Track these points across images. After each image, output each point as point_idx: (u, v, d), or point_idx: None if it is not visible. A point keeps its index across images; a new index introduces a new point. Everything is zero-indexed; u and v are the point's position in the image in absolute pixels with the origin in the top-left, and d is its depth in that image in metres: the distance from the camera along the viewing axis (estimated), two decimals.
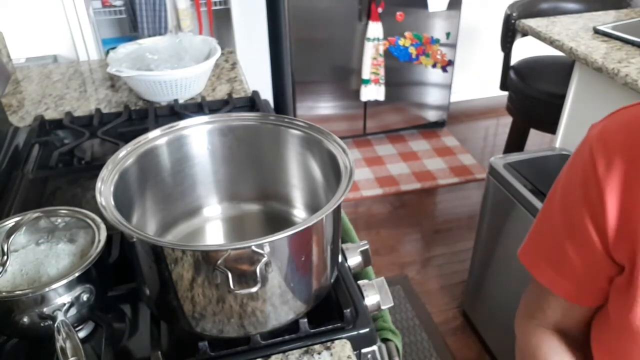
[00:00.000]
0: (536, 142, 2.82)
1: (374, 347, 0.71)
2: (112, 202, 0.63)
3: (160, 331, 0.67)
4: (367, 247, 0.81)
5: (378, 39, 2.65)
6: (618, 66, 1.31)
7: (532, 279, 0.70)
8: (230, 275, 0.56)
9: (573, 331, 0.69)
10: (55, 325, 0.60)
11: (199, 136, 0.79)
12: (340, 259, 0.76)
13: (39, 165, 1.04)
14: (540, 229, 0.68)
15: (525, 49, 2.35)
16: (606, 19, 1.66)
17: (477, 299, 1.83)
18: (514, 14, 2.07)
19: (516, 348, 0.74)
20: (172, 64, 1.29)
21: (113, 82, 1.46)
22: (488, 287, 1.73)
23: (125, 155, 0.71)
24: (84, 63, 1.66)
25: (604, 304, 0.64)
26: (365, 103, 2.87)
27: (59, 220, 0.71)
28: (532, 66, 2.23)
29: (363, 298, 0.73)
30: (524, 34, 1.76)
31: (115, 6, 2.32)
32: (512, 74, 2.20)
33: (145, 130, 0.81)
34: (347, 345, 0.67)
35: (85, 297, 0.64)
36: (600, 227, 0.57)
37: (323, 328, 0.68)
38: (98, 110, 1.24)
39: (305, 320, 0.67)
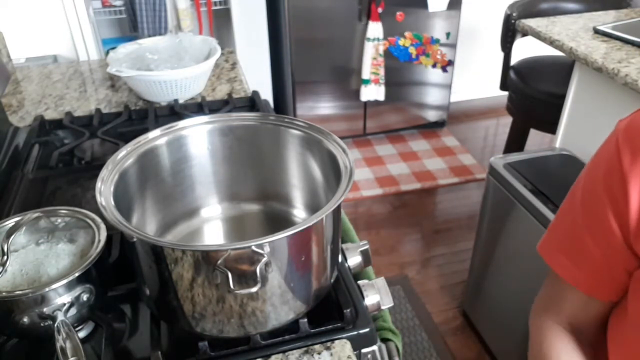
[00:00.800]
0: (536, 142, 2.82)
1: (374, 347, 0.71)
2: (112, 202, 0.63)
3: (160, 331, 0.67)
4: (367, 247, 0.81)
5: (378, 39, 2.65)
6: (618, 66, 1.31)
7: (550, 272, 0.70)
8: (230, 275, 0.56)
9: (587, 328, 0.69)
10: (55, 325, 0.60)
11: (199, 136, 0.79)
12: (340, 259, 0.76)
13: (39, 165, 1.04)
14: (560, 221, 0.68)
15: (525, 49, 2.35)
16: (606, 19, 1.66)
17: (477, 299, 1.83)
18: (514, 14, 2.07)
19: (530, 344, 0.74)
20: (172, 64, 1.29)
21: (113, 82, 1.46)
22: (488, 287, 1.73)
23: (125, 155, 0.71)
24: (84, 63, 1.66)
25: (620, 301, 0.64)
26: (365, 103, 2.87)
27: (59, 220, 0.71)
28: (532, 66, 2.23)
29: (363, 298, 0.73)
30: (524, 34, 1.76)
31: (115, 6, 2.32)
32: (512, 74, 2.20)
33: (145, 130, 0.81)
34: (347, 345, 0.67)
35: (85, 297, 0.64)
36: (622, 219, 0.58)
37: (323, 328, 0.68)
38: (98, 110, 1.24)
39: (305, 320, 0.67)
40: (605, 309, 0.66)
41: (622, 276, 0.62)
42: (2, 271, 0.63)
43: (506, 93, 2.28)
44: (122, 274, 0.73)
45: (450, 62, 2.90)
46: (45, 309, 0.61)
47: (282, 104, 2.88)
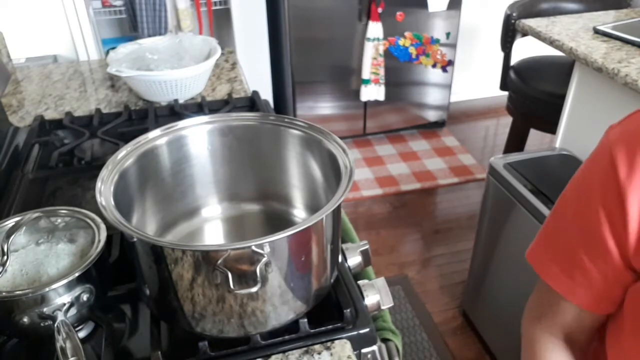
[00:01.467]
0: (536, 142, 2.82)
1: (374, 347, 0.71)
2: (112, 202, 0.63)
3: (160, 331, 0.67)
4: (367, 247, 0.81)
5: (378, 39, 2.65)
6: (618, 66, 1.31)
7: (540, 280, 0.67)
8: (230, 275, 0.56)
9: (581, 337, 0.66)
10: (55, 325, 0.60)
11: (199, 136, 0.79)
12: (340, 259, 0.76)
13: (39, 165, 1.04)
14: (551, 231, 0.65)
15: (525, 49, 2.35)
16: (606, 19, 1.66)
17: (477, 299, 1.83)
18: (514, 14, 2.07)
19: (522, 352, 0.72)
20: (172, 64, 1.29)
21: (113, 82, 1.46)
22: (488, 287, 1.73)
23: (125, 155, 0.71)
24: (84, 63, 1.66)
25: (617, 311, 0.62)
26: (365, 103, 2.87)
27: (59, 220, 0.71)
28: (532, 66, 2.23)
29: (363, 298, 0.73)
30: (524, 34, 1.76)
31: (115, 6, 2.32)
32: (512, 74, 2.20)
33: (145, 130, 0.81)
34: (347, 345, 0.67)
35: (85, 297, 0.64)
36: (620, 235, 0.54)
37: (323, 328, 0.68)
38: (98, 110, 1.24)
39: (305, 320, 0.67)
40: (600, 319, 0.64)
41: (618, 291, 0.59)
42: (2, 271, 0.63)
43: (506, 93, 2.28)
44: (122, 274, 0.73)
45: (450, 62, 2.90)
46: (45, 309, 0.61)
47: (282, 104, 2.88)
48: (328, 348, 0.67)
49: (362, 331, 0.69)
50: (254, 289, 0.57)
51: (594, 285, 0.60)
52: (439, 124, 3.14)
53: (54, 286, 0.61)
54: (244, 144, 0.81)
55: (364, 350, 0.70)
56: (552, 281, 0.63)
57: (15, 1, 2.02)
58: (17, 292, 0.60)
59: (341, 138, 0.74)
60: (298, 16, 2.56)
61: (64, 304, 0.62)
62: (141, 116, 1.23)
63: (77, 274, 0.62)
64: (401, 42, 2.74)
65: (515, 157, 1.58)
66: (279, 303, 0.63)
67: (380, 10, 2.59)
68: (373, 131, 3.03)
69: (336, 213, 0.66)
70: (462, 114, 3.35)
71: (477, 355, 1.82)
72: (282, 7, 2.53)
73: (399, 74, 2.83)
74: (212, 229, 0.83)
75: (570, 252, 0.61)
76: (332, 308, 0.71)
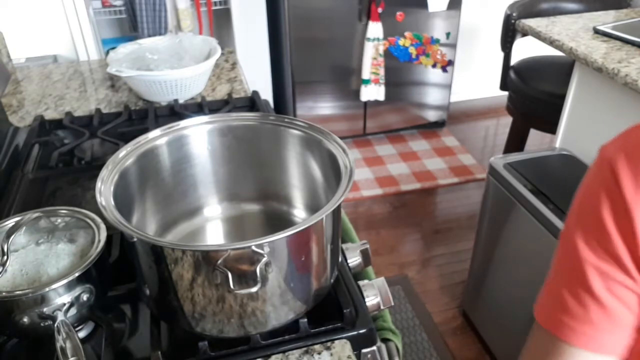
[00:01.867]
0: (536, 142, 2.82)
1: (374, 347, 0.71)
2: (112, 202, 0.63)
3: (160, 331, 0.67)
4: (367, 247, 0.81)
5: (378, 39, 2.65)
6: (618, 66, 1.31)
7: (539, 330, 0.59)
8: (230, 275, 0.56)
9: None
10: (55, 325, 0.60)
11: (199, 136, 0.79)
12: (340, 259, 0.76)
13: (39, 165, 1.04)
14: (559, 279, 0.57)
15: (525, 49, 2.35)
16: (606, 19, 1.66)
17: (477, 299, 1.83)
18: (514, 14, 2.07)
19: None
20: (172, 64, 1.29)
21: (113, 82, 1.46)
22: (488, 287, 1.73)
23: (125, 155, 0.72)
24: (84, 63, 1.66)
25: None
26: (365, 103, 2.87)
27: (59, 220, 0.71)
28: (532, 66, 2.23)
29: (363, 298, 0.73)
30: (524, 34, 1.76)
31: (115, 6, 2.32)
32: (512, 74, 2.20)
33: (145, 130, 0.81)
34: (347, 345, 0.67)
35: (85, 297, 0.64)
36: (635, 256, 0.49)
37: (323, 328, 0.68)
38: (98, 110, 1.24)
39: (305, 320, 0.67)
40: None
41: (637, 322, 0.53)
42: (2, 271, 0.63)
43: (506, 93, 2.28)
44: (122, 274, 0.73)
45: (450, 62, 2.90)
46: (45, 309, 0.61)
47: (282, 104, 2.88)
48: (328, 348, 0.67)
49: (362, 331, 0.69)
50: (254, 289, 0.57)
51: (619, 323, 0.53)
52: (439, 124, 3.14)
53: (54, 286, 0.61)
54: (244, 144, 0.81)
55: (364, 350, 0.70)
56: (571, 338, 0.55)
57: (15, 1, 2.02)
58: (17, 292, 0.60)
59: (341, 138, 0.74)
60: (298, 16, 2.56)
61: (64, 304, 0.62)
62: (141, 116, 1.23)
63: (77, 274, 0.62)
64: (401, 42, 2.74)
65: (515, 157, 1.58)
66: (279, 303, 0.63)
67: (380, 10, 2.59)
68: (373, 131, 3.03)
69: (336, 213, 0.66)
70: (462, 114, 3.35)
71: (477, 355, 1.82)
72: (282, 7, 2.53)
73: (399, 74, 2.83)
74: (212, 229, 0.83)
75: (587, 294, 0.53)
76: (332, 308, 0.71)
